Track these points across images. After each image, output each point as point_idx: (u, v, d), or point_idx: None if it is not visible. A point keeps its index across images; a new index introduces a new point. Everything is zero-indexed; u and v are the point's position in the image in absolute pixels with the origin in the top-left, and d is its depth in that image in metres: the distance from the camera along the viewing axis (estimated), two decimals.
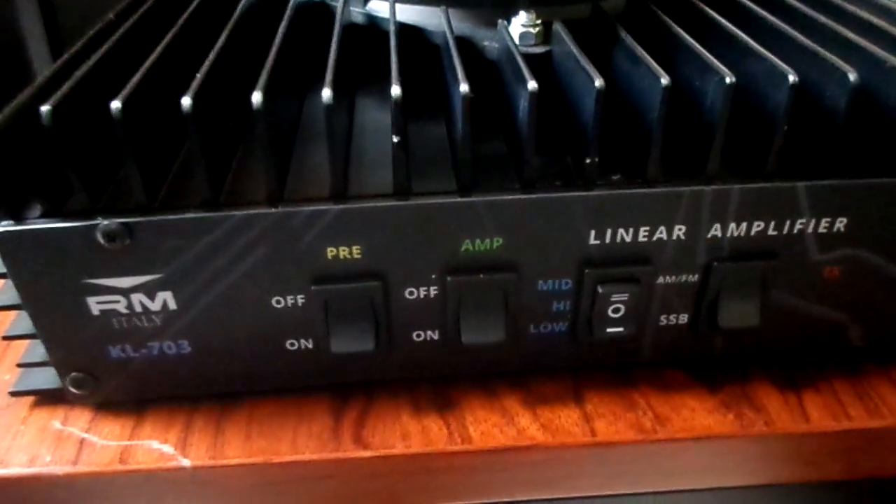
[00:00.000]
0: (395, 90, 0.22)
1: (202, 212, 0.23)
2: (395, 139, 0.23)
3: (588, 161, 0.24)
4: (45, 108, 0.21)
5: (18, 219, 0.23)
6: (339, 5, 0.30)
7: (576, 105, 0.24)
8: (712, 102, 0.23)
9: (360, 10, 0.32)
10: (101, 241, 0.23)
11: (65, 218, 0.23)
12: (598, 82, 0.22)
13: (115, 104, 0.21)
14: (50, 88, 0.23)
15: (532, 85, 0.22)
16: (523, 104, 0.23)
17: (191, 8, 0.30)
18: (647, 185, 0.24)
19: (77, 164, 0.22)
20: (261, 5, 0.33)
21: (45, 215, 0.23)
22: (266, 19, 0.31)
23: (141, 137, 0.22)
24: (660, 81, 0.22)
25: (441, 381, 0.29)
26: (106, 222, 0.23)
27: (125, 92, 0.22)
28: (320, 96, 0.22)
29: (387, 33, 0.31)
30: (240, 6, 0.30)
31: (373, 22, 0.32)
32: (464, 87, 0.22)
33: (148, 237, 0.23)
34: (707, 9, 0.29)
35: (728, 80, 0.22)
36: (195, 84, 0.22)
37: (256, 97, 0.22)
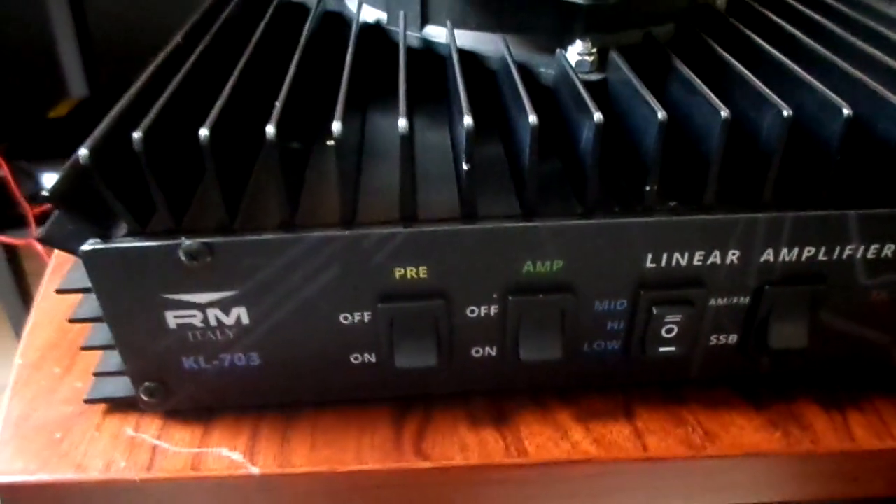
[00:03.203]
0: (468, 120, 0.23)
1: (280, 233, 0.24)
2: (465, 167, 0.24)
3: (648, 188, 0.25)
4: (136, 135, 0.22)
5: (106, 237, 0.24)
6: (399, 31, 0.31)
7: (635, 134, 0.25)
8: (768, 134, 0.24)
9: (416, 35, 0.33)
10: (183, 259, 0.24)
11: (149, 237, 0.24)
12: (661, 115, 0.23)
13: (203, 132, 0.22)
14: (131, 113, 0.24)
15: (598, 116, 0.23)
16: (587, 134, 0.24)
17: (258, 32, 0.31)
18: (703, 212, 0.25)
19: (164, 186, 0.23)
20: (323, 29, 0.34)
21: (131, 234, 0.24)
22: (330, 43, 0.32)
23: (224, 162, 0.24)
24: (720, 114, 0.23)
25: (495, 394, 0.30)
26: (189, 242, 0.24)
27: (211, 119, 0.23)
28: (385, 119, 0.23)
29: (442, 58, 0.32)
30: (304, 31, 0.31)
31: (428, 46, 0.33)
32: (532, 119, 0.23)
33: (227, 256, 0.24)
34: (754, 36, 0.30)
35: (785, 113, 0.23)
36: (276, 112, 0.23)
37: (336, 126, 0.23)
